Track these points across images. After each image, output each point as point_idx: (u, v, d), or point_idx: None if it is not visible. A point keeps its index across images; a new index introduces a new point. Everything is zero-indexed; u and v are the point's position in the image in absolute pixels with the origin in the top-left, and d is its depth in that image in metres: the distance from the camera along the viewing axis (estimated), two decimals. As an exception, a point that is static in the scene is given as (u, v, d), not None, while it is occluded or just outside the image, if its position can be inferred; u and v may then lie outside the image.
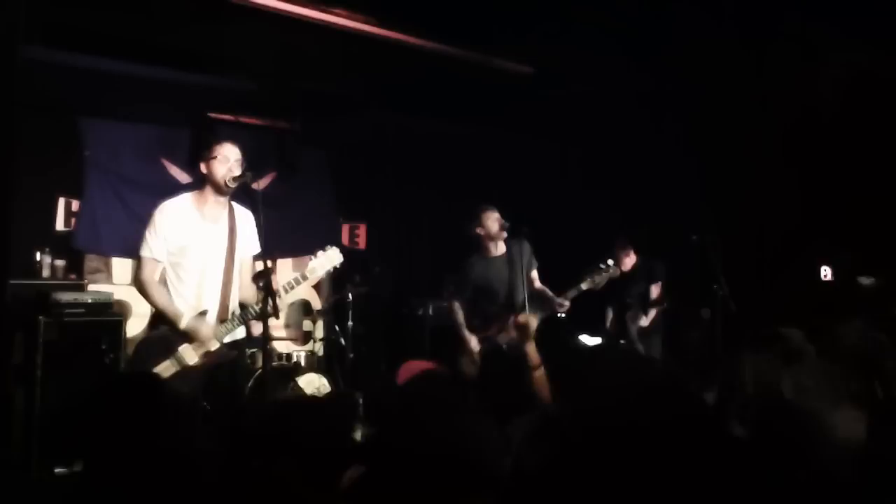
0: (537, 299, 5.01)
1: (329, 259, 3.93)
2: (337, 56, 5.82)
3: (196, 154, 3.91)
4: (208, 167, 3.80)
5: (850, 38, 5.26)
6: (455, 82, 6.20)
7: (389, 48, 5.63)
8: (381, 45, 5.59)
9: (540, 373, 2.53)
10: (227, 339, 3.80)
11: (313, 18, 5.20)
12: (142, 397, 2.16)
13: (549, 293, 5.10)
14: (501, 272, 5.14)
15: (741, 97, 6.28)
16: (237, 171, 3.78)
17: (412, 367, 4.29)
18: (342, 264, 4.07)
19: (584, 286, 5.07)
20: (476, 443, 1.79)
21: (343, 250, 6.63)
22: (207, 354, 3.70)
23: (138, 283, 3.79)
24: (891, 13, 4.82)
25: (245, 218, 3.95)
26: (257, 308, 3.72)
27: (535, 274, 5.20)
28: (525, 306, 4.85)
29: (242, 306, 3.90)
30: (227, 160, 3.78)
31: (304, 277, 3.85)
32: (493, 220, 5.11)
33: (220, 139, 3.92)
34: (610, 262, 5.12)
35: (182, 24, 5.13)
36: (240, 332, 3.93)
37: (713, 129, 6.52)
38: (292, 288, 3.82)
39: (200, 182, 3.88)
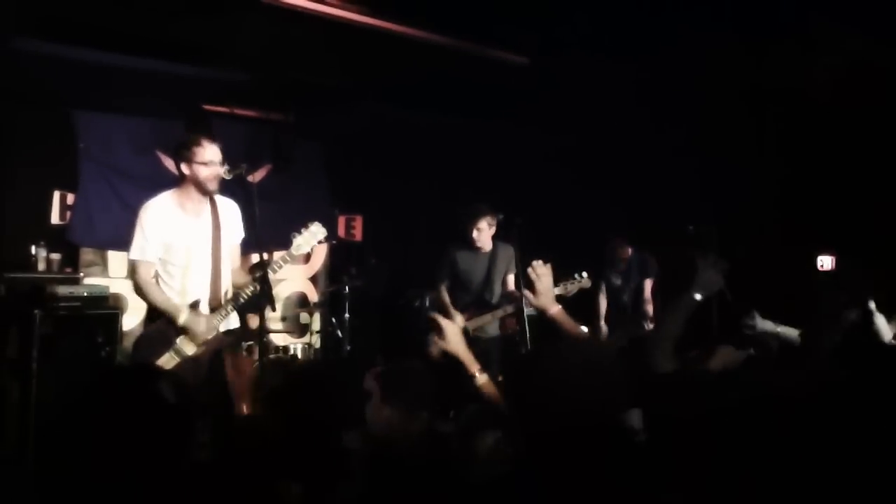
0: (507, 300, 5.35)
1: (313, 234, 3.92)
2: (332, 47, 5.79)
3: (177, 153, 3.87)
4: (191, 169, 3.81)
5: (848, 29, 5.24)
6: (451, 73, 6.17)
7: (384, 39, 5.61)
8: (376, 36, 5.57)
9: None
10: (222, 328, 3.84)
11: (308, 9, 5.17)
12: (140, 389, 2.14)
13: (518, 293, 5.21)
14: (482, 267, 5.46)
15: (737, 88, 6.26)
16: (221, 172, 3.79)
17: None
18: (334, 247, 4.08)
19: (557, 290, 5.11)
20: None
21: (339, 242, 6.64)
22: (206, 343, 3.77)
23: (136, 285, 3.86)
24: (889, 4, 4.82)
25: (228, 208, 3.99)
26: (249, 292, 3.75)
27: (511, 278, 5.43)
28: (500, 305, 5.33)
29: (235, 293, 3.91)
30: (211, 163, 3.79)
31: (291, 255, 3.86)
32: (486, 224, 5.37)
33: (199, 140, 3.85)
34: (584, 274, 5.16)
35: (176, 16, 5.10)
36: (234, 322, 3.96)
37: (709, 120, 6.50)
38: (280, 267, 3.83)
39: (182, 179, 3.88)
